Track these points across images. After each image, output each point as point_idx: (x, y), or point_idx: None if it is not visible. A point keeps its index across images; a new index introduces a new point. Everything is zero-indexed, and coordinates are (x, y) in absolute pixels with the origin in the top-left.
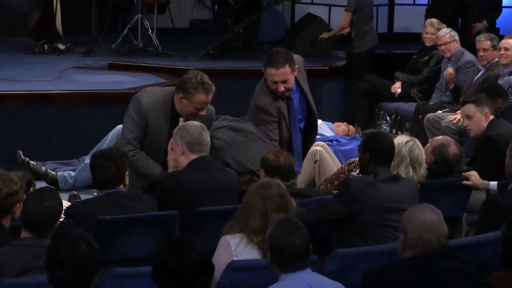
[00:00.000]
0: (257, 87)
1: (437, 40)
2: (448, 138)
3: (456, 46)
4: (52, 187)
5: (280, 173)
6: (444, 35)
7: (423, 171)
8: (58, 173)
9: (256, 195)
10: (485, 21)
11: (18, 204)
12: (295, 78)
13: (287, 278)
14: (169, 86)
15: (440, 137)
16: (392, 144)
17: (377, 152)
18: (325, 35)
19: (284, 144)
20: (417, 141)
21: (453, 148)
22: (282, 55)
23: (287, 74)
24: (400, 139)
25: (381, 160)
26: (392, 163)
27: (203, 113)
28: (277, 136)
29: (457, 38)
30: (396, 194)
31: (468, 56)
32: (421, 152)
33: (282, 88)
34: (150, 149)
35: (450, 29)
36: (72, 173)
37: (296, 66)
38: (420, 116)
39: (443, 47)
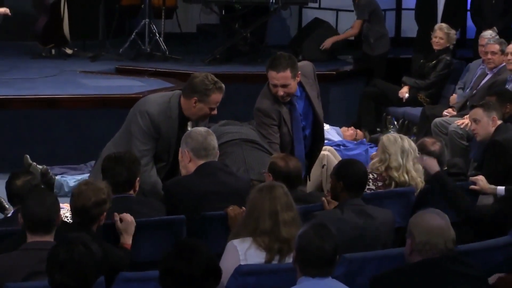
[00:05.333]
0: (261, 90)
1: (480, 40)
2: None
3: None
4: (43, 187)
5: (288, 179)
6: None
7: None
8: (56, 177)
9: (262, 197)
10: (495, 27)
11: (105, 213)
12: (301, 84)
13: (305, 283)
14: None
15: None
16: (365, 172)
17: (350, 180)
18: (327, 43)
19: (285, 149)
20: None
21: (426, 140)
22: (284, 59)
23: (288, 79)
24: (390, 137)
25: (354, 188)
26: (401, 160)
27: (215, 112)
28: (278, 140)
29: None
30: (365, 229)
31: None
32: (411, 140)
33: (281, 92)
34: (158, 153)
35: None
36: (71, 184)
37: (299, 72)
38: (428, 121)
39: (483, 49)
